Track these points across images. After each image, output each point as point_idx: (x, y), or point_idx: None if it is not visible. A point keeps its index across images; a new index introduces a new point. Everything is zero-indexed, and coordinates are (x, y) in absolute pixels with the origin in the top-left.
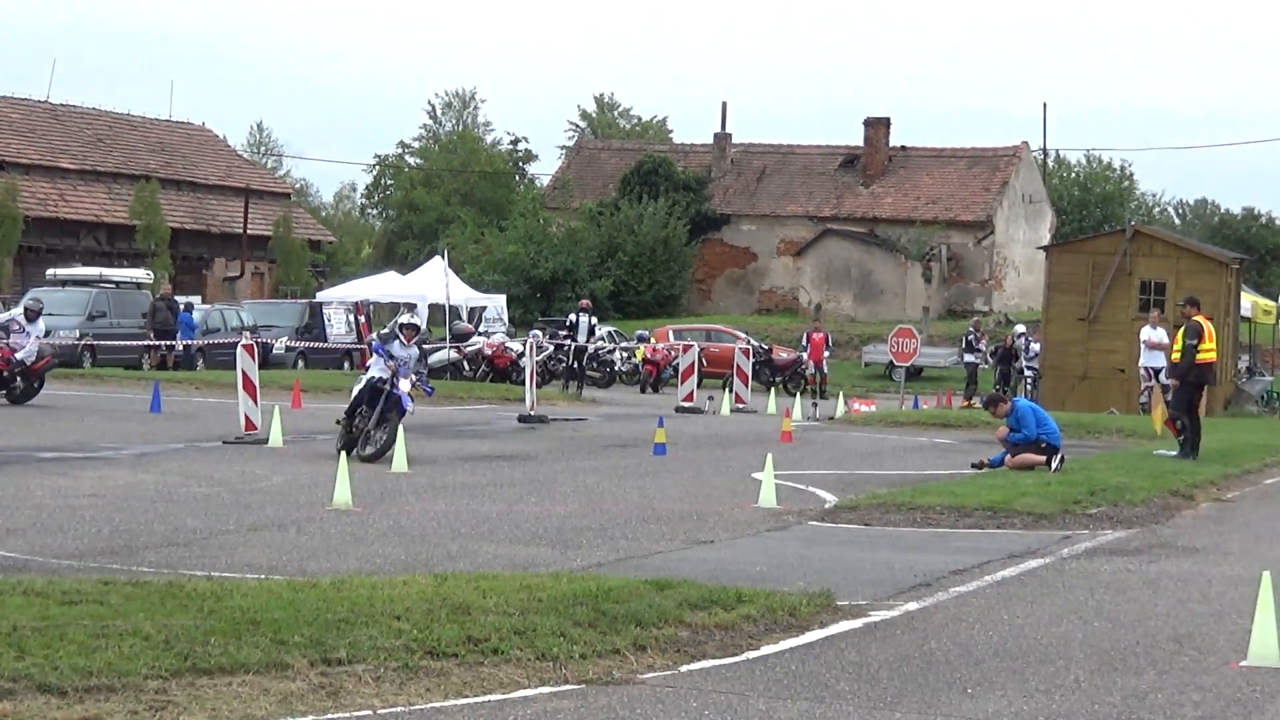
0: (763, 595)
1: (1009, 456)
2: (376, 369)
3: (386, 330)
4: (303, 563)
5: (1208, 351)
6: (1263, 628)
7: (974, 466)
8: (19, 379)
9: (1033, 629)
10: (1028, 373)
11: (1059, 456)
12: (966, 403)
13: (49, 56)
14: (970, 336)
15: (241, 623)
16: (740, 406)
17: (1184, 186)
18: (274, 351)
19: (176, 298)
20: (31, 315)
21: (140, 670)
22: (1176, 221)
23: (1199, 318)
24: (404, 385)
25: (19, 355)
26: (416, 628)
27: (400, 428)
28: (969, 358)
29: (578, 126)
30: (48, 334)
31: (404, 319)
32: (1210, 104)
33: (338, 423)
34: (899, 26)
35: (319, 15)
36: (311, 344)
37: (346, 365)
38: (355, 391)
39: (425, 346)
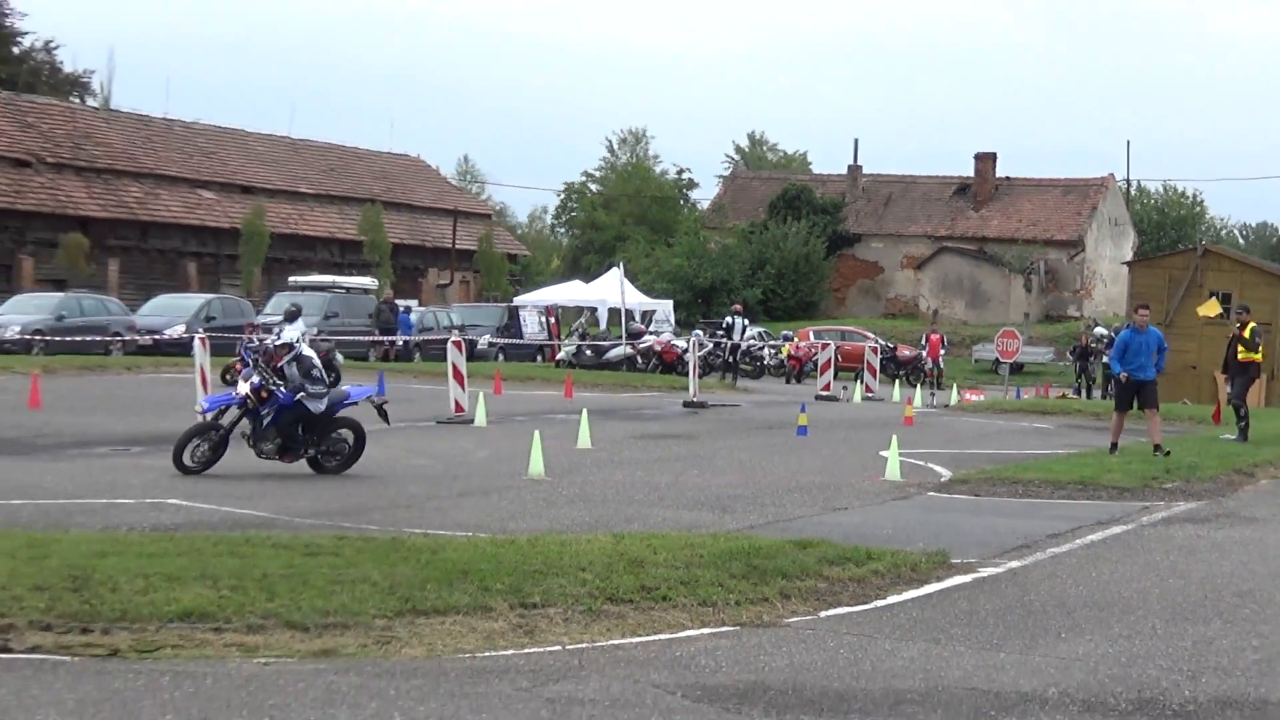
0: (888, 554)
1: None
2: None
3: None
4: (503, 523)
5: (1247, 349)
6: None
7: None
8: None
9: (1116, 584)
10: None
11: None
12: (1071, 395)
13: (290, 98)
14: (1083, 343)
15: (453, 572)
16: (869, 395)
17: (1248, 211)
18: (478, 347)
19: (396, 301)
20: (290, 317)
21: (369, 610)
22: (1241, 242)
23: (1243, 323)
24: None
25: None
26: (598, 578)
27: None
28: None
29: (733, 159)
30: (304, 333)
31: (275, 338)
32: (1272, 139)
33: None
34: (1006, 74)
35: (516, 64)
36: (509, 341)
37: (539, 358)
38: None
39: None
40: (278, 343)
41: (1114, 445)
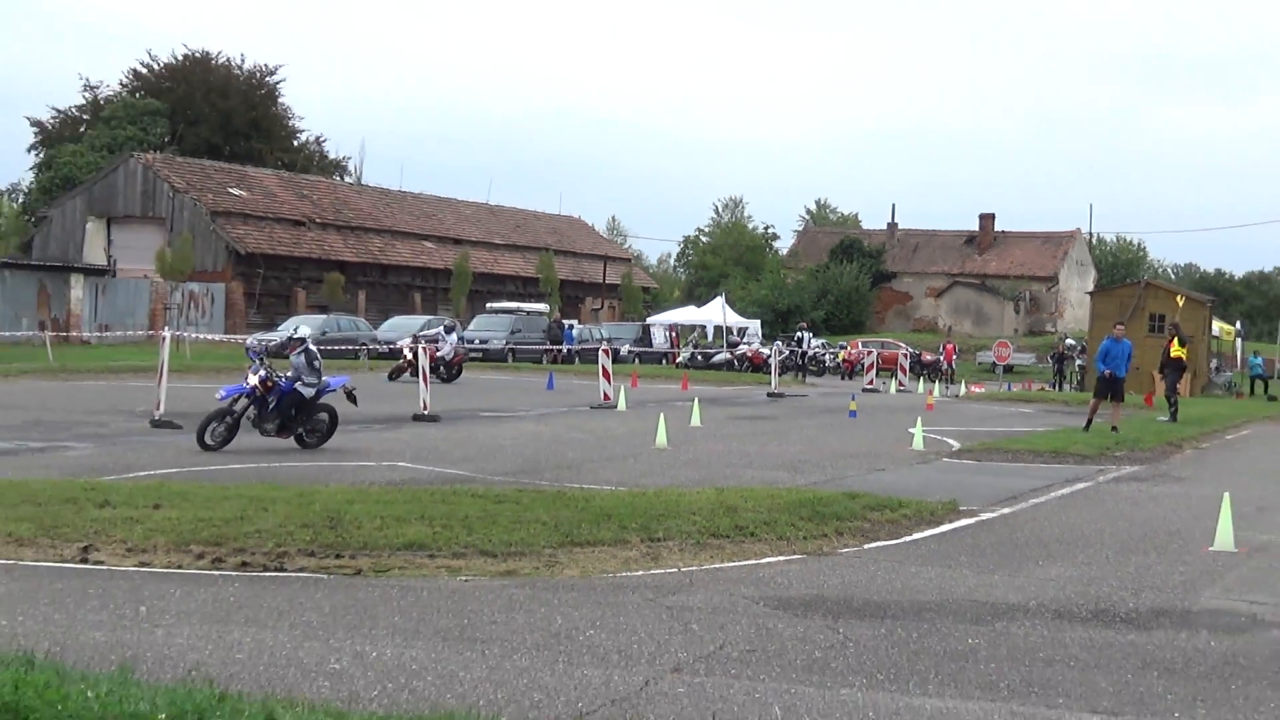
0: (914, 503)
1: (1116, 368)
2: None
3: (276, 343)
4: (637, 480)
5: (1178, 355)
6: (1223, 526)
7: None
8: (442, 368)
9: (1079, 525)
10: (1079, 364)
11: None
12: (1049, 390)
13: (488, 175)
14: (1069, 351)
15: (600, 515)
16: (901, 388)
17: (1178, 255)
18: (620, 353)
19: (562, 320)
20: (449, 330)
21: (539, 542)
22: (1172, 277)
23: (1174, 336)
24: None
25: (440, 353)
26: (704, 519)
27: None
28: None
29: (804, 218)
30: (461, 342)
31: (291, 333)
32: (1196, 202)
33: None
34: (1001, 155)
35: (650, 148)
36: (643, 349)
37: (664, 361)
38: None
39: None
40: (294, 336)
41: (1089, 424)
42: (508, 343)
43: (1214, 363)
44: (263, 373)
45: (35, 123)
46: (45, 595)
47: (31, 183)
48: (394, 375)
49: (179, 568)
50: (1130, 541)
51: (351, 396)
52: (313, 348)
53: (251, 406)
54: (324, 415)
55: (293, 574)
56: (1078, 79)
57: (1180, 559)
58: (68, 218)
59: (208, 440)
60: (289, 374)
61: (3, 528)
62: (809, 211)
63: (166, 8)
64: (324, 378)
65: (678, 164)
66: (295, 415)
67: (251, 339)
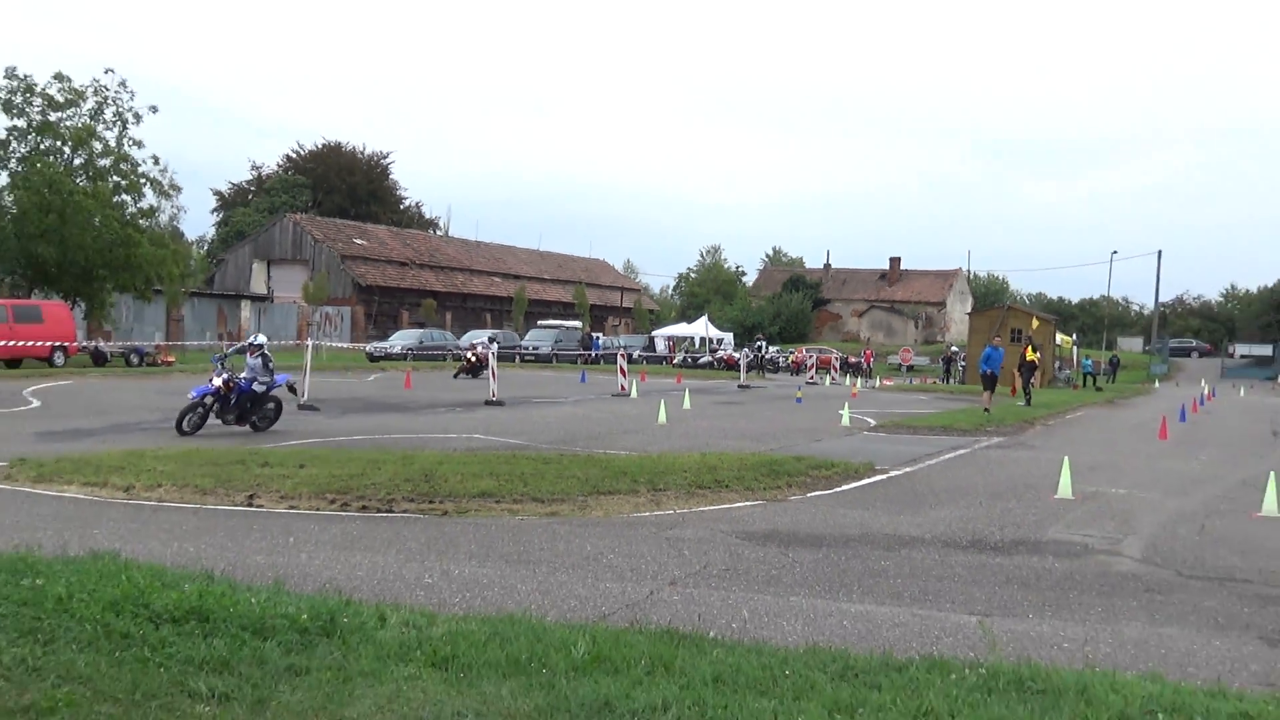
0: (842, 463)
1: (993, 365)
2: (216, 380)
3: (235, 348)
4: (644, 446)
5: (1029, 355)
6: (1064, 481)
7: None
8: (480, 366)
9: (961, 479)
10: (961, 366)
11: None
12: (940, 382)
13: (539, 228)
14: (955, 357)
15: (617, 472)
16: (834, 382)
17: (1031, 286)
18: (633, 357)
19: (592, 333)
20: (492, 340)
21: (575, 492)
22: (1027, 302)
23: (1029, 345)
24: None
25: (479, 353)
26: (693, 475)
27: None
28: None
29: (764, 259)
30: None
31: (251, 341)
32: (1045, 251)
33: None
34: (906, 213)
35: (652, 210)
36: (649, 354)
37: (664, 363)
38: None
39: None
40: (254, 342)
41: (987, 409)
42: (553, 349)
43: (1057, 364)
44: (225, 376)
45: (216, 193)
46: (221, 530)
47: (213, 235)
48: (458, 374)
49: (317, 510)
50: (997, 491)
51: (292, 389)
52: (268, 352)
53: (216, 402)
54: (271, 405)
55: (398, 514)
56: (960, 157)
57: (1033, 504)
58: (239, 260)
59: (184, 428)
60: (245, 374)
61: (191, 481)
62: (767, 255)
63: (310, 109)
64: (274, 376)
65: (674, 221)
66: (250, 407)
67: (230, 348)
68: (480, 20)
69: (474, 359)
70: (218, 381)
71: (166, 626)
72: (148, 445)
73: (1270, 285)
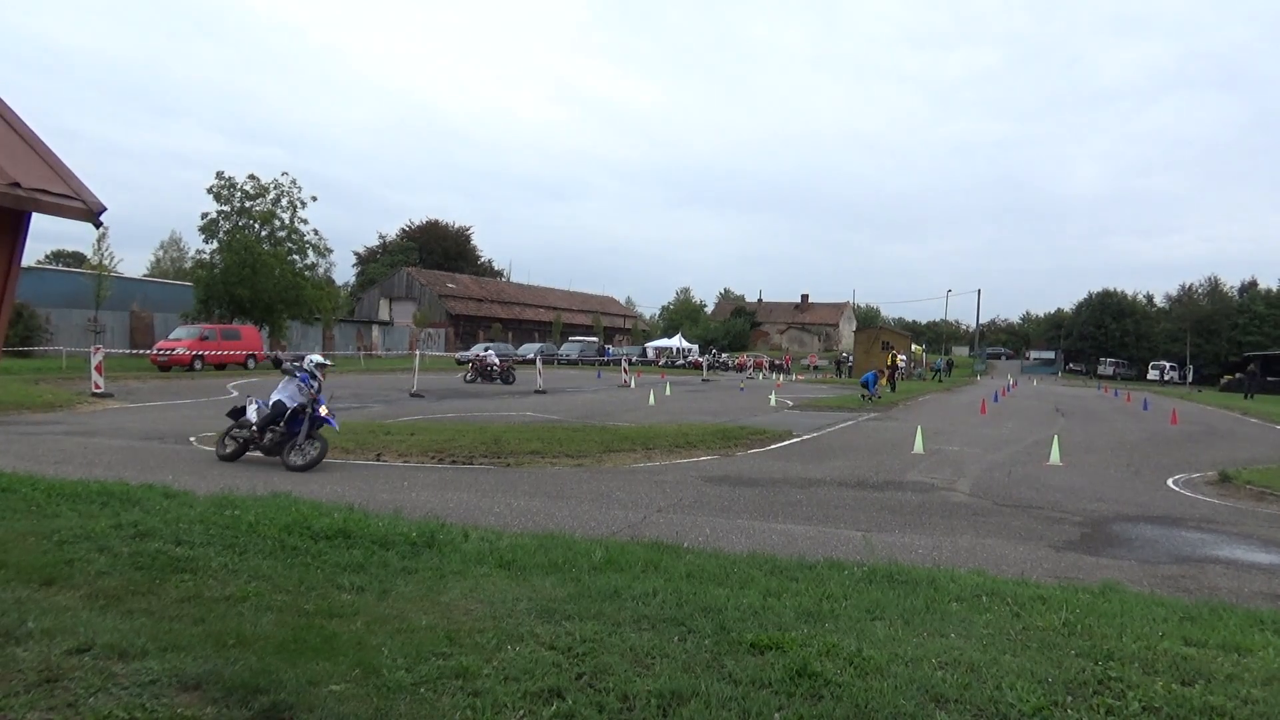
0: (771, 430)
1: (870, 385)
2: (291, 395)
3: (304, 366)
4: (639, 420)
5: (893, 361)
6: (919, 441)
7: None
8: (499, 373)
9: (849, 441)
10: (849, 366)
11: (874, 385)
12: (835, 377)
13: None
14: (845, 361)
15: (621, 437)
16: (766, 378)
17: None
18: (632, 361)
19: (605, 346)
20: (486, 349)
21: (593, 450)
22: (892, 323)
23: (892, 352)
24: (323, 410)
25: (491, 361)
26: (672, 439)
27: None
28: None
29: (719, 295)
30: (509, 357)
31: (318, 358)
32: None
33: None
34: (810, 261)
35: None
36: (643, 360)
37: (653, 365)
38: (259, 409)
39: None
40: (317, 361)
41: (864, 398)
42: (580, 356)
43: (913, 365)
44: (307, 400)
45: (356, 254)
46: (358, 477)
47: (354, 282)
48: (470, 379)
49: (422, 464)
50: (874, 449)
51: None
52: (309, 372)
53: (281, 424)
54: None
55: (477, 466)
56: (848, 227)
57: (897, 457)
58: (370, 298)
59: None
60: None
61: (339, 444)
62: (721, 293)
63: (419, 197)
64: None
65: (660, 269)
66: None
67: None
68: (525, 137)
69: (485, 365)
70: (302, 397)
71: (322, 542)
72: None
73: (1052, 312)
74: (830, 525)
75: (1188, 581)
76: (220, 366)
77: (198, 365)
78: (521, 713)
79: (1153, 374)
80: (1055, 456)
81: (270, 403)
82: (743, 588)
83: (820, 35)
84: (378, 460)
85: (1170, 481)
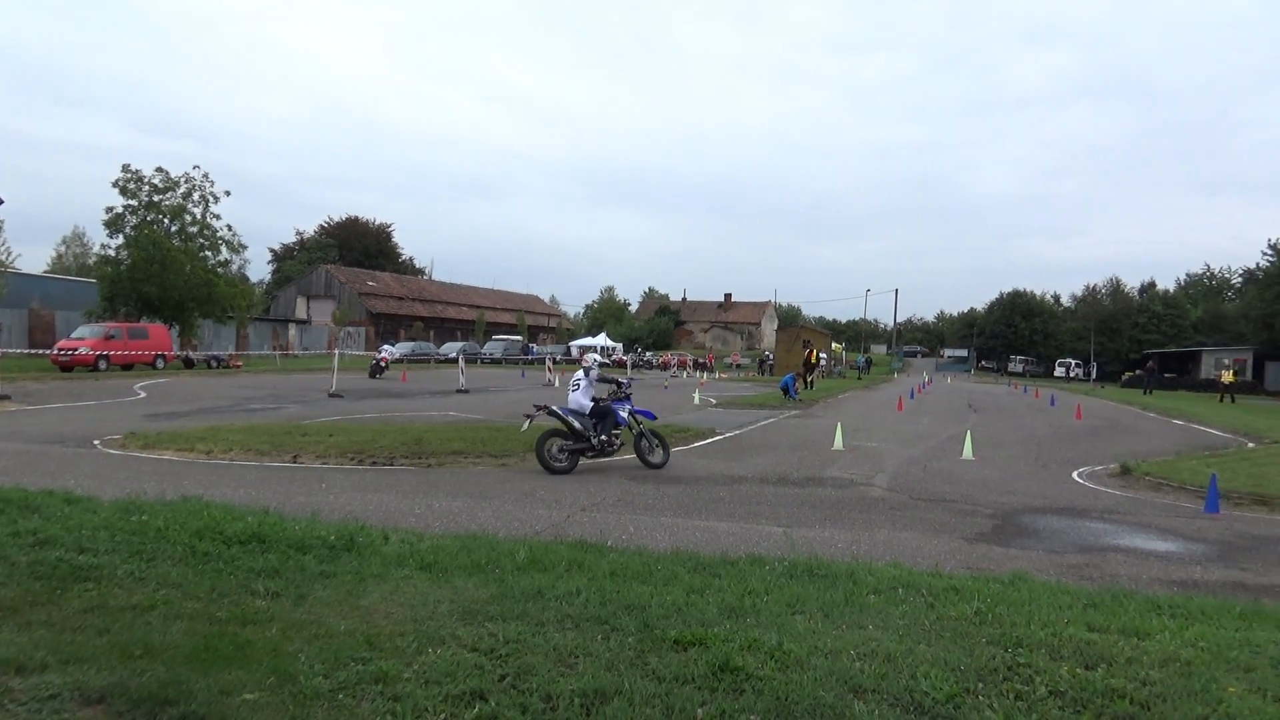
0: (695, 428)
1: (790, 389)
2: (582, 402)
3: (611, 381)
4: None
5: (811, 358)
6: (838, 438)
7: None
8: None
9: (771, 438)
10: (770, 365)
11: (794, 389)
12: (757, 375)
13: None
14: (767, 359)
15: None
16: (690, 376)
17: (816, 311)
18: (556, 359)
19: (529, 344)
20: (391, 346)
21: (518, 449)
22: (813, 322)
23: (811, 350)
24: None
25: (384, 359)
26: None
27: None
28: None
29: (644, 294)
30: (391, 352)
31: (596, 368)
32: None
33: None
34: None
35: (568, 262)
36: (567, 358)
37: (577, 364)
38: (578, 417)
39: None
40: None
41: (791, 395)
42: (503, 355)
43: (833, 363)
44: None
45: (272, 250)
46: (274, 479)
47: (269, 279)
48: (373, 375)
49: (341, 465)
50: (795, 445)
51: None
52: (592, 374)
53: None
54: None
55: (397, 467)
56: (770, 229)
57: (818, 453)
58: (287, 296)
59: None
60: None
61: (254, 445)
62: (645, 291)
63: (338, 194)
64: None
65: (584, 268)
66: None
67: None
68: (450, 135)
69: (382, 364)
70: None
71: (235, 546)
72: (222, 422)
73: (965, 311)
74: (752, 521)
75: (1091, 570)
76: (127, 367)
77: (102, 365)
78: (443, 716)
79: (1059, 371)
80: (968, 451)
81: (579, 410)
82: (666, 585)
83: (746, 37)
84: (294, 462)
85: (1075, 474)
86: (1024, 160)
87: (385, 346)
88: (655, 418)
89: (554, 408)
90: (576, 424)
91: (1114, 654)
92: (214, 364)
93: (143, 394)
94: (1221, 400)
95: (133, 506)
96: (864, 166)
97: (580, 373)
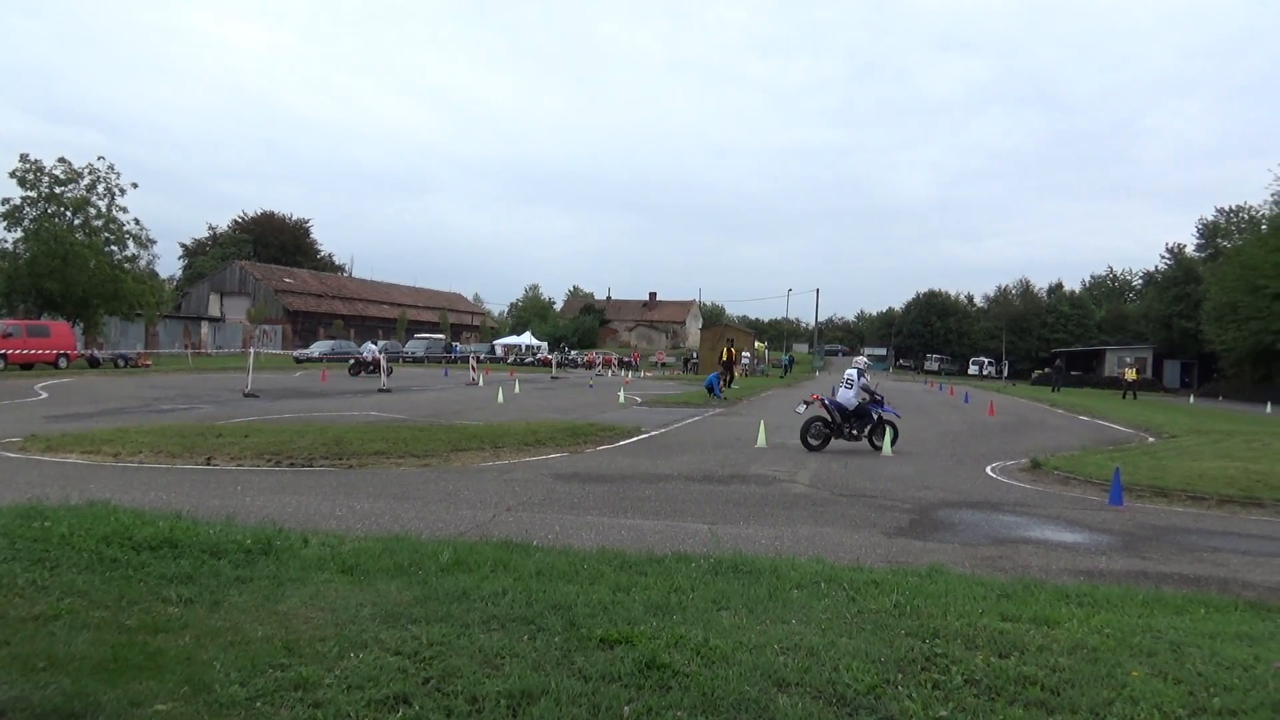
0: (620, 426)
1: (714, 388)
2: (848, 400)
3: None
4: (488, 418)
5: (729, 356)
6: (761, 436)
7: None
8: (375, 367)
9: (696, 436)
10: (695, 364)
11: (718, 387)
12: (683, 374)
13: (414, 271)
14: (692, 358)
15: (468, 436)
16: (614, 374)
17: (740, 310)
18: (480, 359)
19: (452, 343)
20: (376, 346)
21: (441, 449)
22: (736, 321)
23: (732, 348)
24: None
25: (368, 358)
26: (521, 437)
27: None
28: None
29: (569, 293)
30: (383, 353)
31: (866, 360)
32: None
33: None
34: (660, 263)
35: (497, 263)
36: (492, 357)
37: (502, 362)
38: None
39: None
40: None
41: (716, 394)
42: (426, 354)
43: (756, 361)
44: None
45: (183, 245)
46: (187, 482)
47: (180, 275)
48: (355, 372)
49: (258, 467)
50: (719, 443)
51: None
52: (863, 384)
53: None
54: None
55: (317, 468)
56: (696, 228)
57: (742, 451)
58: (199, 293)
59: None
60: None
61: (165, 447)
62: (570, 290)
63: (253, 188)
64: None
65: (508, 266)
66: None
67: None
68: (369, 130)
69: (369, 361)
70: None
71: (145, 552)
72: (131, 424)
73: (884, 311)
74: (678, 519)
75: (1004, 561)
76: (27, 366)
77: (0, 365)
78: None
79: (973, 369)
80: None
81: (845, 405)
82: (592, 584)
83: (671, 38)
84: (208, 464)
85: (989, 469)
86: (940, 164)
87: (368, 345)
88: (900, 417)
89: (826, 400)
90: (838, 417)
91: (1026, 642)
92: (121, 363)
93: (44, 394)
94: (1124, 397)
95: (34, 512)
96: (788, 168)
97: (853, 371)
